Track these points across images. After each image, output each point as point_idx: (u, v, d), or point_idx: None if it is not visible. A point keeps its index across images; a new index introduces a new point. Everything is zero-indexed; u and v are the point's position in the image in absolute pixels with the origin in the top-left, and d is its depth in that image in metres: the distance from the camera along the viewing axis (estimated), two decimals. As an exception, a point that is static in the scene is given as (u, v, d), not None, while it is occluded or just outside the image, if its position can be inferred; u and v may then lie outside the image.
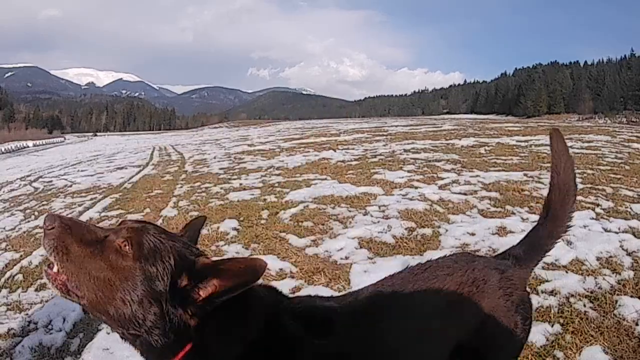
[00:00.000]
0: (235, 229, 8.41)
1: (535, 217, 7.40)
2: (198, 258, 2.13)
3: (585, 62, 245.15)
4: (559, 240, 2.85)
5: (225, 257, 1.85)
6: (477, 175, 11.50)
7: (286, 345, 2.14)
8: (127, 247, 2.03)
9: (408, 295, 2.45)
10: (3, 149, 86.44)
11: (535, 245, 2.84)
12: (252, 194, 11.37)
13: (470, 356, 2.51)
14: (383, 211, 8.76)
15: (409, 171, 12.74)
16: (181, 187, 14.32)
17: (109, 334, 5.22)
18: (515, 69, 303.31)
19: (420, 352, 2.42)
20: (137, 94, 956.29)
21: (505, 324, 2.53)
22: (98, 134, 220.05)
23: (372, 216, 8.53)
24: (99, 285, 2.00)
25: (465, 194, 9.62)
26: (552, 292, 5.18)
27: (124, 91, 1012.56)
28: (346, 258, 6.76)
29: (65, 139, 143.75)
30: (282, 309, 2.25)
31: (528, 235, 2.94)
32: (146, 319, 2.00)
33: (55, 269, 2.06)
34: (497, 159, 14.40)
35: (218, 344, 2.08)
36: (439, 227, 7.64)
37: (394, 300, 2.43)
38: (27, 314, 5.93)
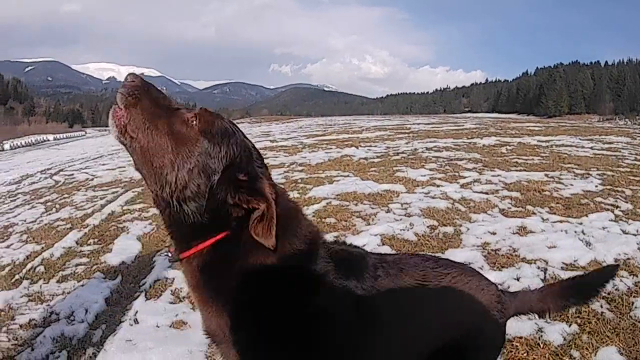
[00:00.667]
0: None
1: (556, 218, 7.44)
2: (265, 178, 2.18)
3: (606, 62, 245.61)
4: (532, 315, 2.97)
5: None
6: (498, 175, 11.49)
7: (312, 275, 2.20)
8: (195, 121, 2.12)
9: (428, 270, 2.53)
10: (23, 142, 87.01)
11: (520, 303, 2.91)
12: (275, 190, 11.17)
13: (454, 354, 2.57)
14: (405, 209, 8.78)
15: (431, 169, 12.72)
16: (203, 181, 14.19)
17: (132, 325, 5.32)
18: (537, 68, 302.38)
19: (424, 321, 2.50)
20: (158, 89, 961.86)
21: (492, 339, 2.69)
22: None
23: (394, 213, 8.56)
24: (154, 141, 2.09)
25: (486, 193, 9.64)
26: (570, 292, 5.21)
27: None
28: (369, 255, 6.73)
29: (86, 132, 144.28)
30: (321, 242, 2.32)
31: (520, 291, 3.15)
32: (187, 187, 2.08)
33: (123, 109, 2.14)
34: (519, 158, 14.36)
35: (254, 243, 2.11)
36: (461, 225, 7.68)
37: (417, 268, 2.51)
38: (48, 305, 6.00)
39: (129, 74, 2.19)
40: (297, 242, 2.20)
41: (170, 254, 2.32)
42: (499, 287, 2.82)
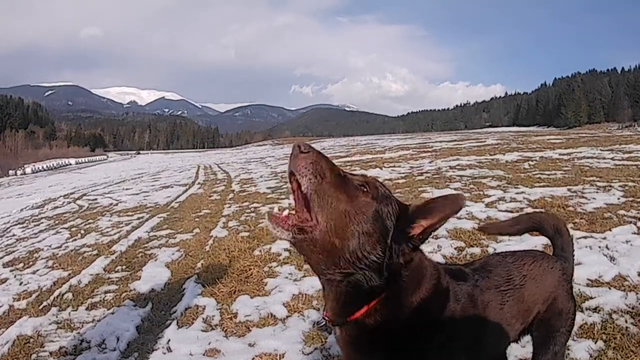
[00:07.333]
0: (287, 249, 8.34)
1: (580, 233, 7.44)
2: (410, 204, 2.36)
3: (623, 68, 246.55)
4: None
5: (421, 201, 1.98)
6: (522, 192, 11.51)
7: (446, 289, 2.49)
8: (365, 188, 2.24)
9: (509, 266, 3.00)
10: (45, 166, 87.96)
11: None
12: (303, 214, 11.11)
13: (544, 324, 3.06)
14: (432, 230, 8.65)
15: (455, 189, 12.78)
16: (229, 206, 14.42)
17: (164, 354, 5.33)
18: (555, 79, 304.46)
19: (515, 304, 2.89)
20: (179, 112, 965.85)
21: (567, 303, 3.14)
22: (141, 152, 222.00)
23: (422, 236, 8.43)
24: (337, 215, 2.13)
25: (511, 212, 9.61)
26: (596, 309, 5.25)
27: (166, 110, 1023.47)
28: (398, 277, 6.70)
29: (108, 156, 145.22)
30: (439, 267, 2.57)
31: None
32: (371, 253, 2.15)
33: (285, 213, 2.21)
34: (542, 174, 14.40)
35: (412, 291, 2.32)
36: (487, 246, 7.66)
37: (500, 267, 2.97)
38: (78, 333, 6.03)
39: (298, 144, 2.25)
40: (430, 275, 2.45)
41: (326, 319, 2.41)
42: (561, 262, 3.26)
